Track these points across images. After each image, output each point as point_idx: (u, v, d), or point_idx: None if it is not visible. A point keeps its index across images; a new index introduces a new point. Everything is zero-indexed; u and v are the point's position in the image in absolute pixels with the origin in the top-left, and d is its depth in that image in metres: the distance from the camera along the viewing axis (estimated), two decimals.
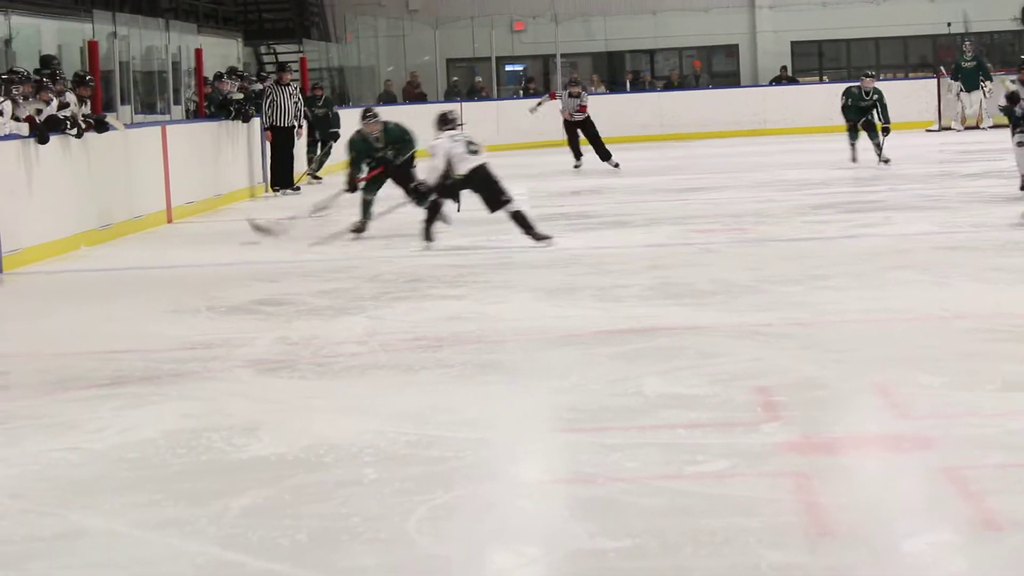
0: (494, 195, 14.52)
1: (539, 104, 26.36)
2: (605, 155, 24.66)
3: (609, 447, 7.00)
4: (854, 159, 23.26)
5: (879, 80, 24.77)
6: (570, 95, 25.28)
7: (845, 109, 23.29)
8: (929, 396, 7.84)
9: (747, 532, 5.57)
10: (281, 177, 22.44)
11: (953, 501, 6.00)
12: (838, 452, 6.78)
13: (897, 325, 9.72)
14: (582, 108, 24.96)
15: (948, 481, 6.23)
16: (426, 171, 14.65)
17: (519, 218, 14.43)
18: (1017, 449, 6.57)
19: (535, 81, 32.29)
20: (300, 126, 22.93)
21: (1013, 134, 15.19)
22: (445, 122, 14.83)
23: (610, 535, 5.61)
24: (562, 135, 25.66)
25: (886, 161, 22.82)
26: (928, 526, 5.69)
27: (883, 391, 7.95)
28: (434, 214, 14.89)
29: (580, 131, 25.38)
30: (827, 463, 6.59)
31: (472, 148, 14.50)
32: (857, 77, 24.90)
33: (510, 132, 23.92)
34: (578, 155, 25.20)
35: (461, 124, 14.82)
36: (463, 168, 14.39)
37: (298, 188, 22.62)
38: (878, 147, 22.97)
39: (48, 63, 18.46)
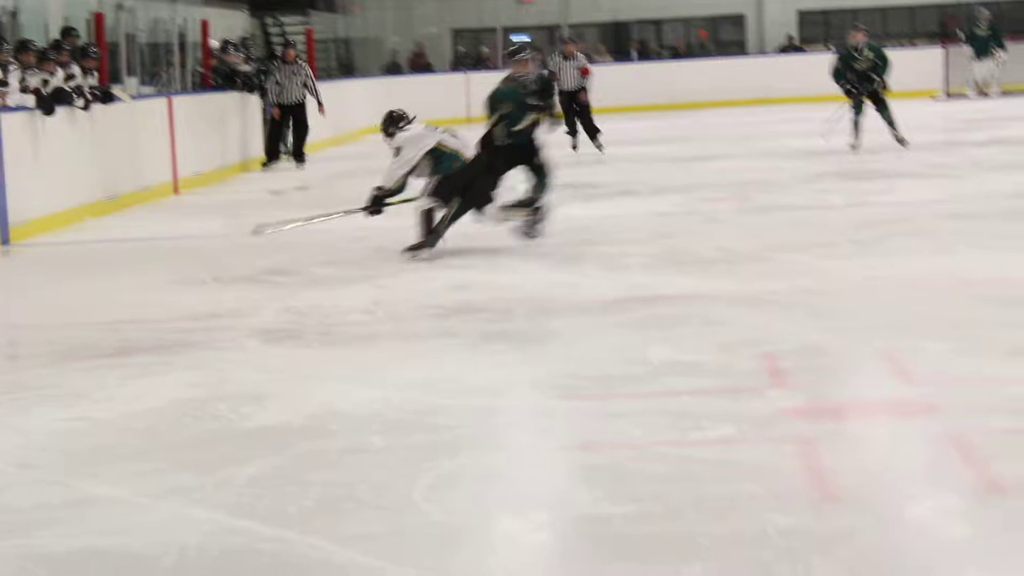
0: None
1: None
2: (593, 132, 23.11)
3: (614, 414, 7.03)
4: (855, 145, 20.47)
5: (888, 48, 24.44)
6: (564, 56, 23.48)
7: (837, 74, 20.83)
8: (934, 362, 7.84)
9: (752, 497, 5.60)
10: (272, 151, 22.24)
11: (957, 465, 6.02)
12: (843, 418, 6.81)
13: (902, 292, 9.71)
14: (584, 71, 23.29)
15: (952, 446, 6.25)
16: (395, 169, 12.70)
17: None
18: (1022, 414, 6.58)
19: (542, 51, 31.94)
20: (320, 103, 22.50)
21: None
22: (398, 120, 12.87)
23: (615, 501, 5.63)
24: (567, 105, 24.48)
25: (901, 141, 20.31)
26: (932, 490, 5.71)
27: (888, 357, 7.96)
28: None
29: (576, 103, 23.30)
30: (832, 428, 6.61)
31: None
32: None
33: None
34: (574, 132, 23.18)
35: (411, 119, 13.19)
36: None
37: (303, 160, 22.22)
38: (891, 124, 20.41)
39: (69, 33, 18.61)
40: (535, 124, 12.80)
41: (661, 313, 9.50)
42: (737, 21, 36.64)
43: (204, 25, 24.41)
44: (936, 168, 17.88)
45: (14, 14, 19.56)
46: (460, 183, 11.99)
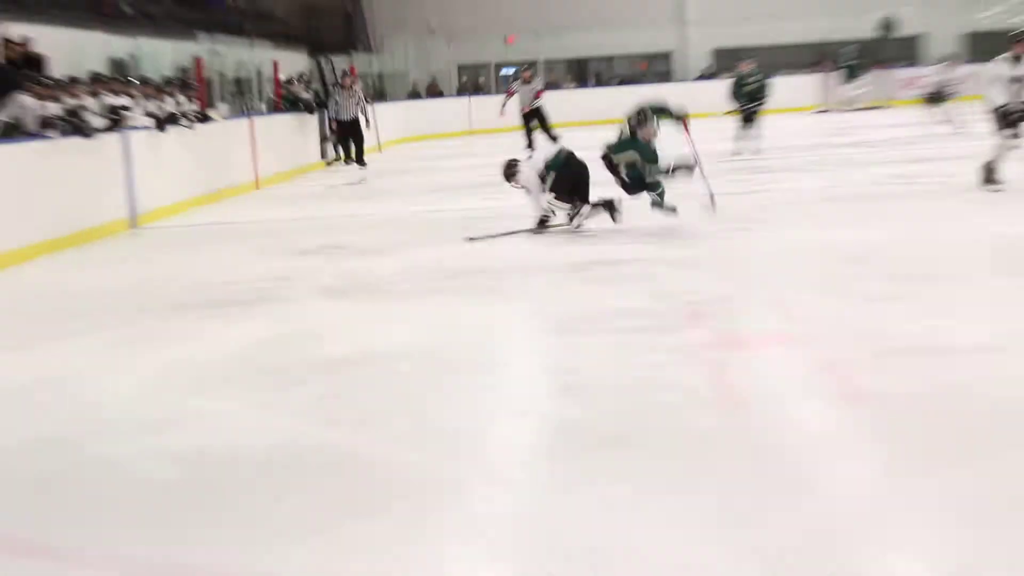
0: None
1: (504, 105, 23.41)
2: (553, 138, 21.93)
3: (578, 346, 7.09)
4: (738, 152, 19.74)
5: (781, 75, 24.33)
6: (523, 82, 22.95)
7: (736, 93, 20.22)
8: (810, 306, 7.88)
9: (680, 405, 5.69)
10: (347, 155, 22.02)
11: (827, 381, 6.07)
12: (743, 348, 6.84)
13: (788, 256, 9.70)
14: (539, 93, 22.86)
15: (823, 367, 6.30)
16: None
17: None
18: (880, 344, 6.63)
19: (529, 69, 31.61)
20: (367, 120, 22.01)
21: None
22: (512, 166, 12.17)
23: (582, 408, 5.73)
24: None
25: (739, 152, 19.65)
26: (808, 399, 5.77)
27: (780, 304, 7.98)
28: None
29: (536, 119, 22.94)
30: (735, 355, 6.66)
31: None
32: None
33: (507, 118, 23.39)
34: (531, 145, 22.18)
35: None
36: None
37: (364, 164, 21.86)
38: (757, 138, 19.93)
39: (185, 73, 18.89)
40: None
41: (614, 272, 9.51)
42: (667, 56, 36.47)
43: (275, 64, 24.41)
44: (815, 164, 17.79)
45: (136, 58, 19.55)
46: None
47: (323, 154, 23.26)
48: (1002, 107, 12.86)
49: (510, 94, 22.94)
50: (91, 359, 7.49)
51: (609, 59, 36.64)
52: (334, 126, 21.83)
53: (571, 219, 11.89)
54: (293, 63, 27.10)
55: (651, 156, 11.76)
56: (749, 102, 19.67)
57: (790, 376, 6.25)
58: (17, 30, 15.29)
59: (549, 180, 11.86)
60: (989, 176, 13.04)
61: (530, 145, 21.73)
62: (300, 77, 25.47)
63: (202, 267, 11.33)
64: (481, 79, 36.12)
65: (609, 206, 11.82)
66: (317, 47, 28.81)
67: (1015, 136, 12.90)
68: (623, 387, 6.09)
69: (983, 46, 33.48)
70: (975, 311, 7.46)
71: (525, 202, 12.19)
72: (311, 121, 23.21)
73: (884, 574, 3.85)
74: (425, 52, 34.94)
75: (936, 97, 22.41)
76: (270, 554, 4.16)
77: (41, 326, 8.79)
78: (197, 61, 21.13)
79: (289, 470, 5.06)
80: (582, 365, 6.62)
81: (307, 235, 13.02)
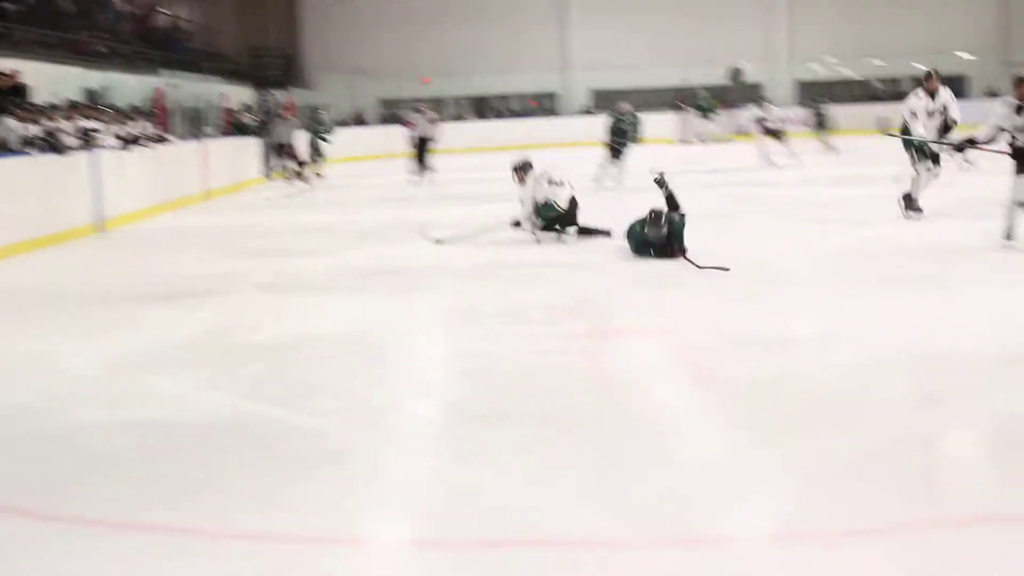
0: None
1: (411, 135, 21.56)
2: (426, 166, 20.76)
3: (478, 335, 7.06)
4: (600, 180, 18.49)
5: (647, 112, 24.31)
6: (417, 111, 21.76)
7: (613, 130, 18.87)
8: (671, 303, 7.95)
9: (563, 384, 5.68)
10: (288, 171, 21.59)
11: (684, 365, 6.12)
12: (617, 337, 6.85)
13: (654, 265, 9.71)
14: (433, 125, 21.44)
15: (681, 354, 6.34)
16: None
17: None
18: (732, 335, 6.66)
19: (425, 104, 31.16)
20: (323, 140, 21.64)
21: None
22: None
23: (476, 388, 5.71)
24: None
25: (598, 180, 18.45)
26: (669, 380, 5.82)
27: (648, 302, 8.03)
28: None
29: (426, 146, 21.14)
30: (611, 344, 6.69)
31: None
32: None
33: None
34: (422, 169, 20.77)
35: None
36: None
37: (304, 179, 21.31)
38: (621, 170, 18.49)
39: (135, 108, 18.73)
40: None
41: (512, 273, 9.49)
42: (552, 96, 36.58)
43: (224, 96, 24.16)
44: (675, 187, 17.88)
45: (107, 89, 19.26)
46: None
47: (265, 171, 22.98)
48: (920, 139, 11.89)
49: (410, 124, 22.12)
50: (59, 342, 7.28)
51: (505, 97, 36.69)
52: (275, 148, 21.65)
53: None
54: (240, 95, 26.92)
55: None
56: (621, 138, 19.38)
57: (655, 361, 6.27)
58: (6, 64, 15.17)
59: (541, 213, 11.37)
60: (910, 204, 11.96)
61: (421, 170, 20.72)
62: (245, 107, 25.31)
63: (159, 265, 11.09)
64: (397, 112, 36.05)
65: (594, 232, 11.39)
66: (260, 82, 28.60)
67: (931, 165, 11.90)
68: (515, 370, 6.05)
69: (810, 92, 34.27)
70: (811, 309, 7.56)
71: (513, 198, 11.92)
72: (253, 144, 22.98)
73: (731, 526, 3.87)
74: (353, 88, 34.74)
75: (772, 133, 22.71)
76: (213, 510, 4.08)
77: (15, 314, 8.59)
78: (158, 92, 21.00)
79: (229, 439, 4.96)
80: (481, 351, 6.56)
81: (249, 239, 12.82)
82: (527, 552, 3.65)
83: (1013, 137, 9.51)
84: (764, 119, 22.99)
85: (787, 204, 14.71)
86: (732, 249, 10.18)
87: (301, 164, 21.52)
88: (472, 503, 4.08)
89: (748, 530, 3.85)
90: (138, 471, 4.57)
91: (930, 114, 11.88)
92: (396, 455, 4.70)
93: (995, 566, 3.43)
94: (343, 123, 33.78)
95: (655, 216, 9.79)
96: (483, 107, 36.63)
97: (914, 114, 11.90)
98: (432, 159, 20.37)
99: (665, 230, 9.69)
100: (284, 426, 5.12)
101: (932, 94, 11.93)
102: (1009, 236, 9.50)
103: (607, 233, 11.19)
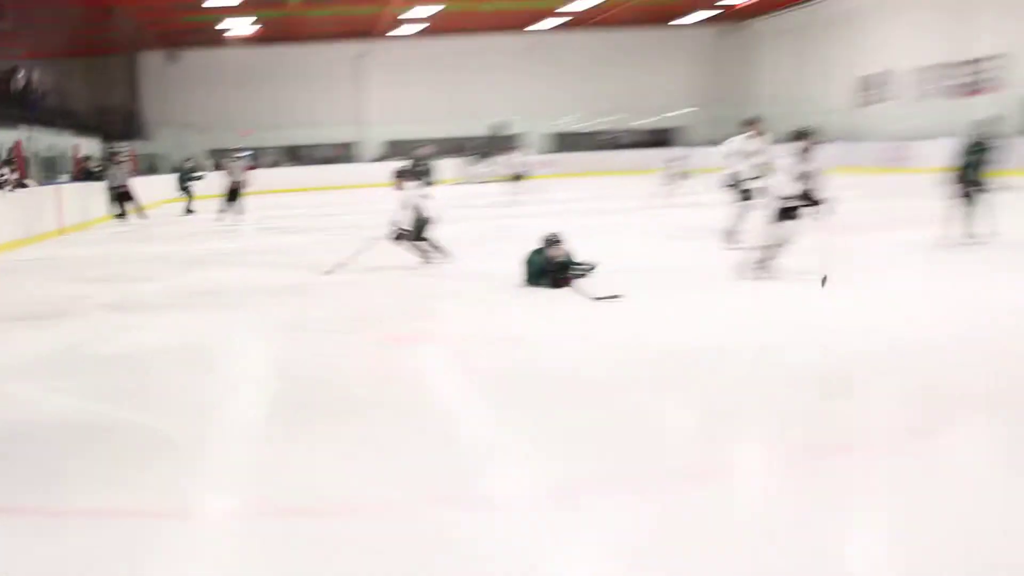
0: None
1: (225, 179, 19.81)
2: (235, 204, 19.10)
3: (284, 342, 7.05)
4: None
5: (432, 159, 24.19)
6: (232, 159, 20.08)
7: (404, 172, 18.66)
8: (449, 313, 8.10)
9: (358, 380, 5.76)
10: (120, 211, 20.70)
11: (453, 363, 6.24)
12: (401, 341, 6.93)
13: (434, 281, 9.74)
14: (246, 170, 19.82)
15: (454, 353, 6.49)
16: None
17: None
18: (488, 335, 6.86)
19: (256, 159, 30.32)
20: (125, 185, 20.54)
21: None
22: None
23: (292, 386, 5.73)
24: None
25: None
26: (442, 373, 5.95)
27: (427, 312, 8.10)
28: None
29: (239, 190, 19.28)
30: (394, 347, 6.73)
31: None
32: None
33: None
34: (229, 208, 19.09)
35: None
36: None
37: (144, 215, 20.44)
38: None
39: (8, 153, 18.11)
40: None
41: (312, 290, 9.30)
42: (350, 145, 36.14)
43: (75, 147, 23.24)
44: (460, 218, 17.87)
45: None
46: None
47: (111, 210, 22.03)
48: (738, 178, 11.05)
49: (227, 170, 20.84)
50: None
51: (313, 146, 36.19)
52: (114, 191, 20.73)
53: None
54: (89, 147, 25.85)
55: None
56: (421, 176, 19.13)
57: (430, 360, 6.35)
58: None
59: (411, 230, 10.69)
60: (730, 237, 10.90)
61: (228, 208, 19.25)
62: (93, 157, 24.38)
63: (17, 289, 10.66)
64: (224, 160, 34.98)
65: (437, 251, 10.72)
66: (107, 135, 27.46)
67: (747, 202, 10.80)
68: (315, 371, 6.05)
69: (562, 143, 35.09)
70: (548, 312, 7.68)
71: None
72: (100, 187, 22.06)
73: (494, 481, 4.00)
74: (184, 140, 33.67)
75: (518, 176, 23.01)
76: (60, 497, 4.04)
77: None
78: (18, 143, 20.20)
79: (77, 434, 4.87)
80: (288, 356, 6.59)
81: (95, 267, 12.32)
82: (336, 520, 3.70)
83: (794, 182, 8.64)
84: (523, 163, 23.32)
85: (532, 230, 14.91)
86: (494, 267, 10.23)
87: (137, 206, 20.68)
88: (287, 480, 4.11)
89: (514, 491, 3.95)
90: None
91: (748, 155, 11.12)
92: (221, 442, 4.70)
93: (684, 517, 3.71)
94: (177, 169, 32.80)
95: (552, 239, 8.93)
96: (295, 154, 36.05)
97: (738, 155, 11.14)
98: (243, 201, 19.61)
99: (564, 249, 8.84)
100: (125, 422, 5.05)
101: (755, 138, 11.16)
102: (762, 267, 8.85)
103: (445, 255, 10.68)
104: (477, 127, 34.26)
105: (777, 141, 10.60)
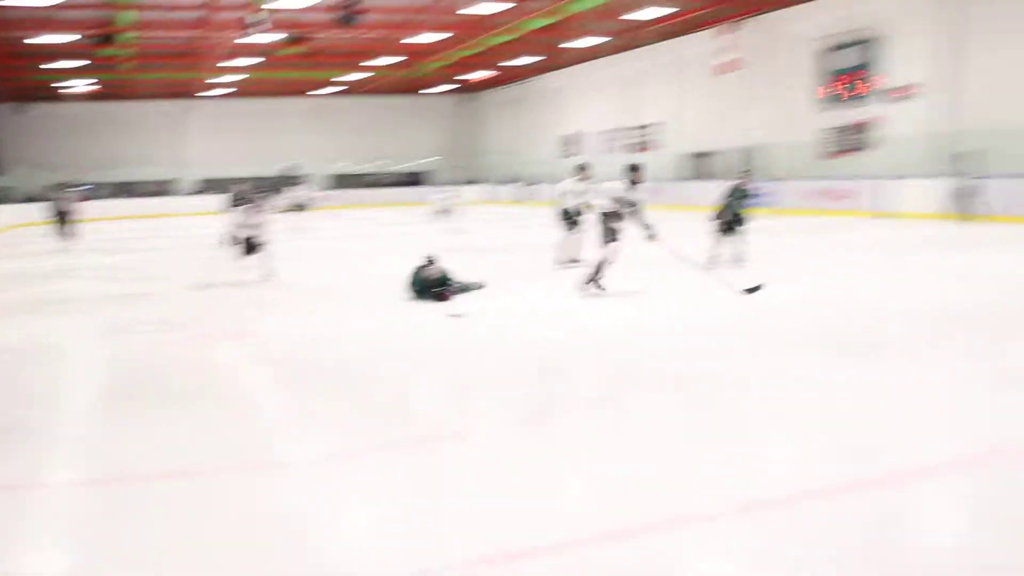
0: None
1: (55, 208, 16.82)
2: (69, 232, 16.54)
3: (123, 341, 6.57)
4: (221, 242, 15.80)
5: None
6: (63, 191, 17.37)
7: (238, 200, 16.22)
8: (267, 315, 7.70)
9: (181, 370, 5.48)
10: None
11: (264, 355, 6.00)
12: (221, 339, 6.63)
13: (255, 289, 9.31)
14: (80, 200, 17.50)
15: (260, 347, 6.23)
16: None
17: None
18: (302, 334, 6.66)
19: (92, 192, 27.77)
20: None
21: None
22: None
23: (127, 376, 5.37)
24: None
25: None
26: (249, 364, 5.72)
27: (246, 315, 7.77)
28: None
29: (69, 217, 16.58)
30: (218, 343, 6.45)
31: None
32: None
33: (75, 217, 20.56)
34: (61, 233, 16.61)
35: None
36: None
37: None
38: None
39: None
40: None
41: (141, 297, 8.71)
42: (170, 181, 33.81)
43: None
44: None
45: None
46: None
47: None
48: (569, 212, 10.19)
49: (71, 200, 18.50)
50: None
51: (141, 182, 33.73)
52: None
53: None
54: None
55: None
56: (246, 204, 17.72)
57: (235, 354, 6.12)
58: None
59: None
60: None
61: (61, 233, 16.71)
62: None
63: None
64: (53, 192, 31.93)
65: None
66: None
67: (615, 243, 7.95)
68: (151, 364, 5.73)
69: (339, 181, 34.57)
70: (359, 314, 7.50)
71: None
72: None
73: (295, 454, 3.91)
74: (34, 176, 30.52)
75: (299, 207, 22.68)
76: None
77: None
78: None
79: None
80: (128, 353, 6.19)
81: (21, 286, 10.85)
82: (169, 483, 3.55)
83: (620, 207, 7.85)
84: (308, 196, 23.04)
85: (330, 249, 14.63)
86: (304, 278, 9.98)
87: None
88: (125, 452, 3.92)
89: (308, 455, 3.89)
90: None
91: (577, 194, 10.43)
92: (69, 426, 4.40)
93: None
94: (31, 199, 29.72)
95: (428, 260, 8.26)
96: (127, 189, 33.51)
97: (570, 193, 10.43)
98: (74, 227, 16.83)
99: (437, 267, 8.18)
100: (35, 424, 4.53)
101: (583, 181, 10.40)
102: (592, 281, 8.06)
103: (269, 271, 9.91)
104: (273, 167, 33.27)
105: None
